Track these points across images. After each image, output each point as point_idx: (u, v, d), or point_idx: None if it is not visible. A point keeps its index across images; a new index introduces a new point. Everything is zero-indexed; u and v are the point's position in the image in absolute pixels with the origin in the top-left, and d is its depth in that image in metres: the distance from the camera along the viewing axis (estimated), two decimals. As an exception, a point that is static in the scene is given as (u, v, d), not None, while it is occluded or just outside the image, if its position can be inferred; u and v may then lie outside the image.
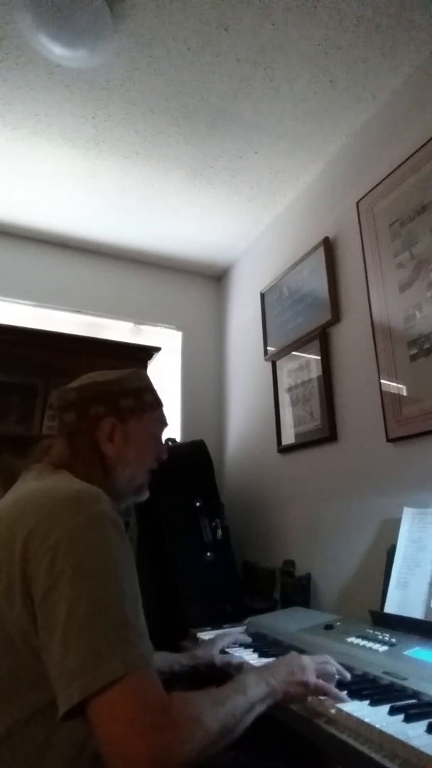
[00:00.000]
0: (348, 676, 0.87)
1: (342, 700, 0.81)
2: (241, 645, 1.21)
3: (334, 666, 0.87)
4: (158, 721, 0.58)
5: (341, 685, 0.85)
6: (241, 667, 1.07)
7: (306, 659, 0.85)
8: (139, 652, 0.62)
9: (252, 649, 1.16)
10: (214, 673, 1.09)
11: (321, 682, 0.82)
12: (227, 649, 1.18)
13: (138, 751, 0.56)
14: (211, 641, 1.19)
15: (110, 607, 0.63)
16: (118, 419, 0.94)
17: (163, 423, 1.04)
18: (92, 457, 0.90)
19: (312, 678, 0.82)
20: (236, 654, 1.14)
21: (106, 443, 0.92)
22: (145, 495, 1.02)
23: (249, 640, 1.24)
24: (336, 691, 0.82)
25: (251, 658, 1.11)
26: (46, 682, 0.63)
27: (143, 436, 0.97)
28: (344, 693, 0.82)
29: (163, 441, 1.07)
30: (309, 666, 0.84)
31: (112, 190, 2.10)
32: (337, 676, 0.86)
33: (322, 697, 0.81)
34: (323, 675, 0.84)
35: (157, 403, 1.03)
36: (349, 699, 0.82)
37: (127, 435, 0.94)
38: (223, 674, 1.08)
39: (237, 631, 1.28)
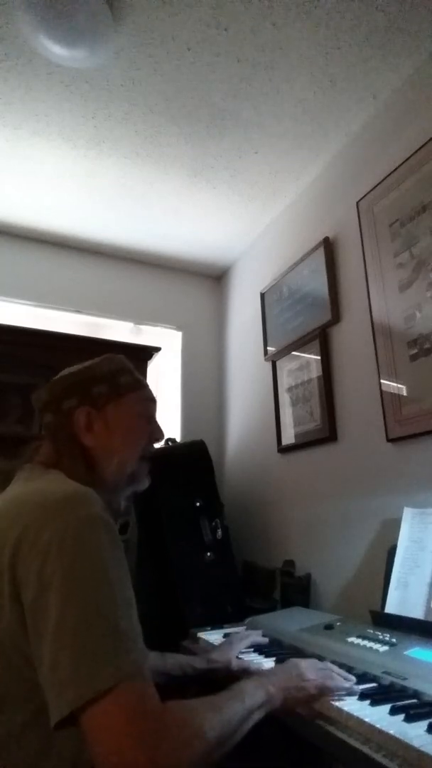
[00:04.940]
0: (353, 679, 0.86)
1: (350, 680, 0.83)
2: (255, 650, 1.16)
3: (335, 672, 0.86)
4: (153, 731, 0.57)
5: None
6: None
7: (306, 665, 0.85)
8: (132, 659, 0.60)
9: (252, 649, 1.16)
10: (229, 678, 1.03)
11: (321, 682, 0.82)
12: (241, 654, 1.13)
13: (132, 763, 0.54)
14: (228, 644, 1.14)
15: (101, 613, 0.61)
16: (93, 408, 0.90)
17: (148, 401, 0.99)
18: (73, 451, 0.87)
19: (312, 683, 0.81)
20: (252, 659, 1.09)
21: (85, 434, 0.89)
22: (145, 483, 0.97)
23: (266, 641, 1.18)
24: (339, 682, 0.82)
25: (253, 657, 1.11)
26: (39, 691, 0.61)
27: (126, 420, 0.93)
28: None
29: (156, 420, 1.01)
30: (309, 671, 0.83)
31: (112, 190, 2.10)
32: (346, 684, 0.84)
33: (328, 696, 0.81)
34: (324, 682, 0.83)
35: (137, 383, 0.97)
36: (357, 687, 0.83)
37: (108, 422, 0.91)
38: (238, 680, 1.05)
39: (254, 634, 1.22)
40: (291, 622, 1.32)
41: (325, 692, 0.81)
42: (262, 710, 0.74)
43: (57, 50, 1.40)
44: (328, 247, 1.88)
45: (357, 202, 1.72)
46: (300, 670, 0.83)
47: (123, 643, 0.61)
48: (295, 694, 0.80)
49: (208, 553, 1.76)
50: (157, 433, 0.99)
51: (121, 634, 0.61)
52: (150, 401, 1.00)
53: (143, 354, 2.14)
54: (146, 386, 1.00)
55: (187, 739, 0.59)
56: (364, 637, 1.09)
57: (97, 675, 0.57)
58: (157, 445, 1.04)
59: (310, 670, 0.84)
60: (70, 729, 0.58)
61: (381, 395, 1.52)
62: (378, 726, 0.68)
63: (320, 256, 1.90)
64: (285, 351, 2.07)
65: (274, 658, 1.08)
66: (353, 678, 0.86)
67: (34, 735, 0.64)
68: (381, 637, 1.07)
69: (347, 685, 0.83)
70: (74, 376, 0.94)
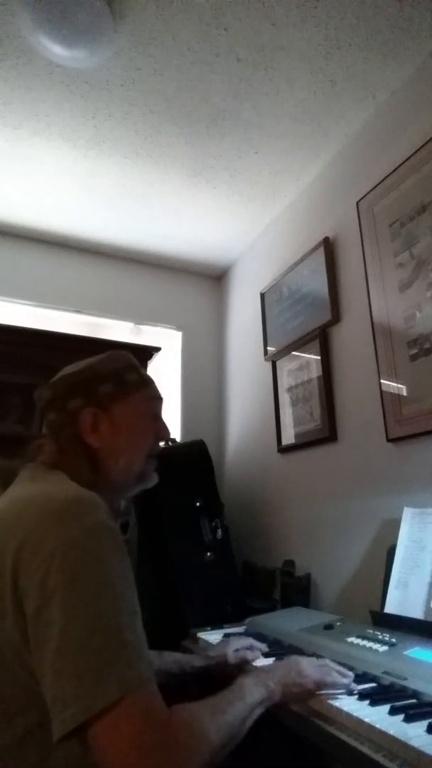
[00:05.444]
0: (351, 675, 0.87)
1: (348, 677, 0.84)
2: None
3: (333, 669, 0.87)
4: (160, 741, 0.57)
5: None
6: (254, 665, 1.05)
7: (304, 662, 0.86)
8: (137, 671, 0.60)
9: (249, 648, 1.16)
10: (227, 673, 1.05)
11: (319, 678, 0.83)
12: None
13: None
14: (225, 642, 1.15)
15: (105, 626, 0.60)
16: (99, 408, 0.88)
17: (155, 399, 0.97)
18: (77, 452, 0.85)
19: (310, 678, 0.82)
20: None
21: (89, 435, 0.86)
22: (153, 480, 0.96)
23: (264, 647, 1.15)
24: (338, 678, 0.83)
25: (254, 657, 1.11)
26: (40, 701, 0.60)
27: (132, 419, 0.90)
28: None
29: (162, 418, 0.99)
30: (307, 668, 0.85)
31: (112, 190, 2.10)
32: (344, 680, 0.85)
33: (326, 691, 0.82)
34: (322, 678, 0.84)
35: (143, 381, 0.95)
36: (355, 684, 0.84)
37: (114, 422, 0.88)
38: (236, 674, 1.03)
39: (252, 641, 1.18)
40: (291, 622, 1.32)
41: (323, 688, 0.82)
42: (262, 706, 0.75)
43: (57, 50, 1.40)
44: (328, 247, 1.88)
45: (357, 202, 1.72)
46: (299, 667, 0.85)
47: (128, 655, 0.60)
48: (293, 690, 0.81)
49: (208, 553, 1.76)
50: (164, 432, 0.97)
51: (126, 645, 0.61)
52: (156, 399, 0.98)
53: (143, 354, 2.14)
54: (152, 383, 0.98)
55: (194, 745, 0.59)
56: (363, 637, 1.09)
57: (102, 688, 0.57)
58: (162, 444, 1.02)
59: (308, 667, 0.85)
60: (69, 743, 0.58)
61: (381, 395, 1.52)
62: (378, 726, 0.68)
63: (320, 256, 1.90)
64: (285, 351, 2.07)
65: (273, 658, 1.08)
66: (351, 674, 0.87)
67: (32, 749, 0.63)
68: (381, 637, 1.07)
69: (345, 681, 0.84)
70: (79, 375, 0.91)
